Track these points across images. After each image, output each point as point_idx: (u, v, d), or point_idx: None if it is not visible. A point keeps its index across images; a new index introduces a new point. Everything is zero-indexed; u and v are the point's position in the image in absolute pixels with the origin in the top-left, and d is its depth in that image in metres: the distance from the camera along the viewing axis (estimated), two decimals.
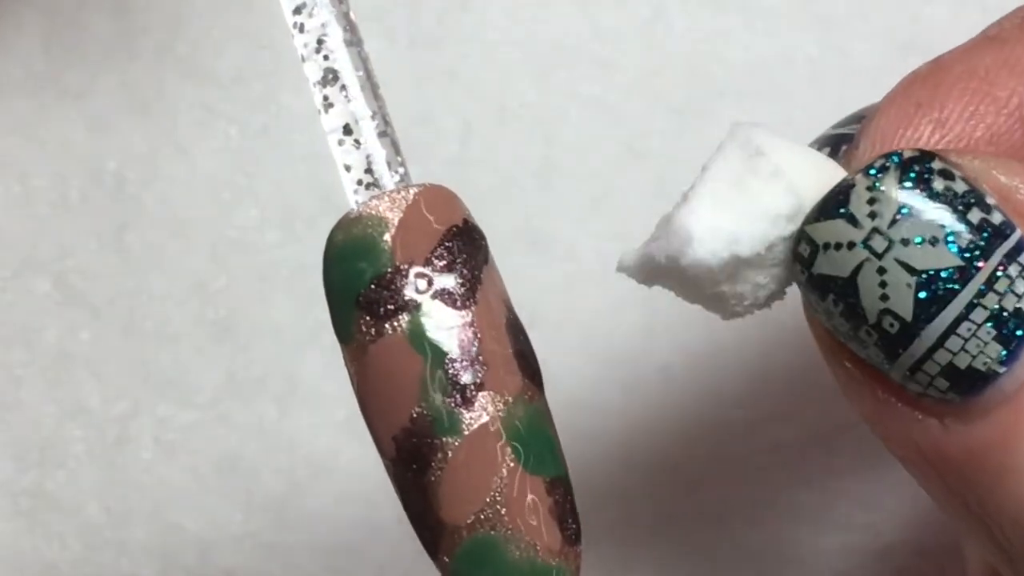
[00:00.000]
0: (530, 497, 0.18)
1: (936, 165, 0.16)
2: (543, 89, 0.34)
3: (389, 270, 0.18)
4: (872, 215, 0.16)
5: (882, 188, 0.16)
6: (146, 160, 0.34)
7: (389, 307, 0.18)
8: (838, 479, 0.32)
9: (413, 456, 0.18)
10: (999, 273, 0.16)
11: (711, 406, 0.32)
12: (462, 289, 0.18)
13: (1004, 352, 0.16)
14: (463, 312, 0.18)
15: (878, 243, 0.16)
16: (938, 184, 0.16)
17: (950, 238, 0.16)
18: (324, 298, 0.33)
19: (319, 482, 0.32)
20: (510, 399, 0.18)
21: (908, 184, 0.16)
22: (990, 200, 0.16)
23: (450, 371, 0.18)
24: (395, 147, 0.19)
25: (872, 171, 0.16)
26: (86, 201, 0.34)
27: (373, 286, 0.18)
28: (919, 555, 0.31)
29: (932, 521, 0.31)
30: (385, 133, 0.19)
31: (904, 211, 0.16)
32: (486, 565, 0.18)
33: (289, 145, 0.34)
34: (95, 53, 0.35)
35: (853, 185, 0.16)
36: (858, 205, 0.16)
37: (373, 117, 0.19)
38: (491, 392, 0.18)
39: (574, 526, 0.19)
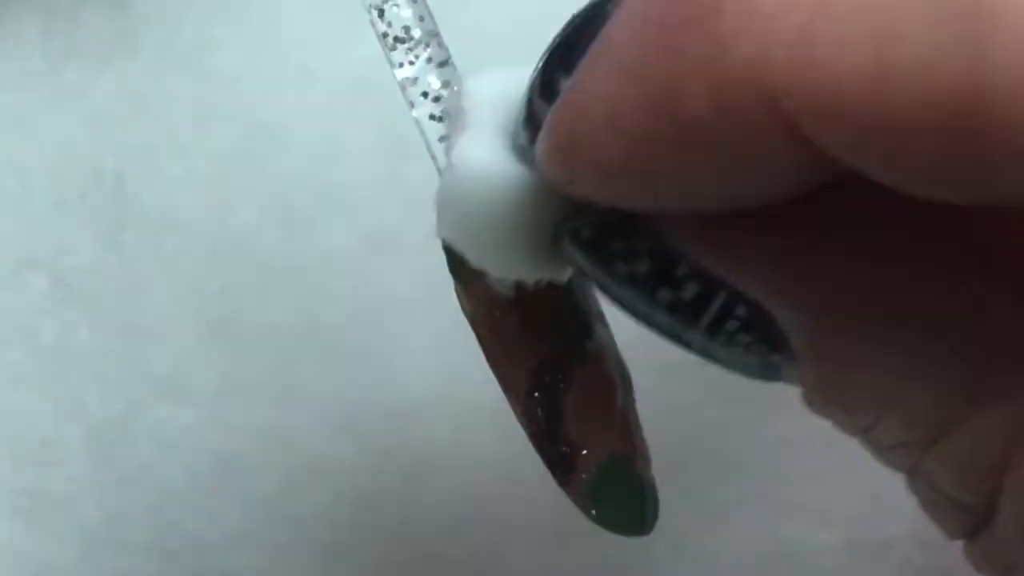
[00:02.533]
0: (634, 413, 0.20)
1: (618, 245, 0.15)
2: None
3: None
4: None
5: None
6: (145, 158, 0.34)
7: None
8: (840, 473, 0.32)
9: (548, 384, 0.19)
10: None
11: (711, 403, 0.32)
12: None
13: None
14: None
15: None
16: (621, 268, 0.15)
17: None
18: (323, 298, 0.33)
19: (317, 482, 0.32)
20: (603, 325, 0.20)
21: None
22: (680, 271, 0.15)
23: (576, 304, 0.19)
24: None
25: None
26: (84, 199, 0.34)
27: None
28: (922, 549, 0.31)
29: None
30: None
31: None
32: (618, 482, 0.19)
33: (288, 144, 0.34)
34: (94, 51, 0.34)
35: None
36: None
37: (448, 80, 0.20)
38: (598, 321, 0.20)
39: None
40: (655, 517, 0.20)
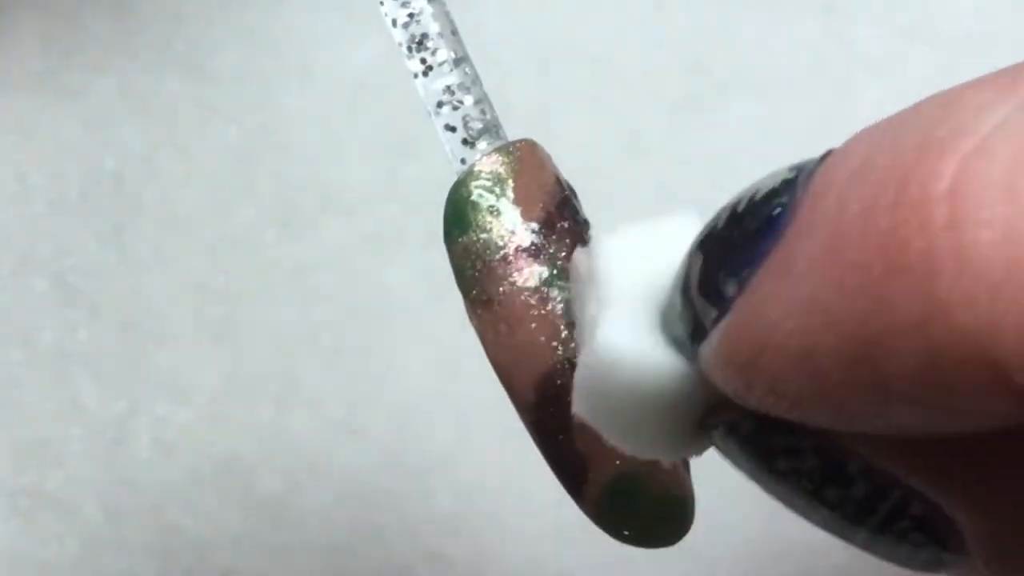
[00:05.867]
0: None
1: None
2: (543, 86, 0.34)
3: (516, 227, 0.19)
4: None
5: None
6: (145, 159, 0.34)
7: (521, 257, 0.19)
8: None
9: (556, 400, 0.18)
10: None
11: None
12: (579, 235, 0.19)
13: None
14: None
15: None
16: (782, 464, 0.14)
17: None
18: (323, 298, 0.33)
19: (317, 482, 0.32)
20: None
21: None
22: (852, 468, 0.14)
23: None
24: (489, 104, 0.20)
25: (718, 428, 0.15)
26: (85, 200, 0.34)
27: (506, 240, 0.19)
28: None
29: None
30: (480, 95, 0.20)
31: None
32: (633, 498, 0.19)
33: (288, 144, 0.34)
34: (94, 52, 0.34)
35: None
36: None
37: (468, 79, 0.20)
38: None
39: None
40: (679, 527, 0.20)
